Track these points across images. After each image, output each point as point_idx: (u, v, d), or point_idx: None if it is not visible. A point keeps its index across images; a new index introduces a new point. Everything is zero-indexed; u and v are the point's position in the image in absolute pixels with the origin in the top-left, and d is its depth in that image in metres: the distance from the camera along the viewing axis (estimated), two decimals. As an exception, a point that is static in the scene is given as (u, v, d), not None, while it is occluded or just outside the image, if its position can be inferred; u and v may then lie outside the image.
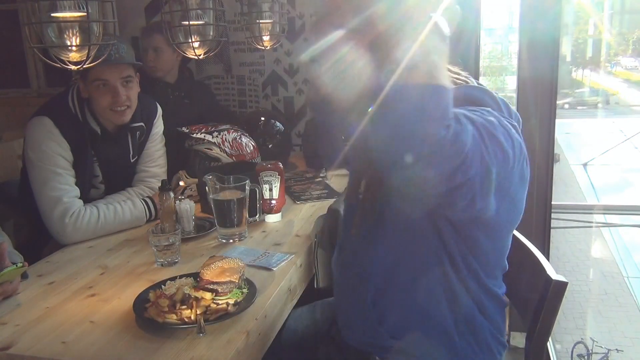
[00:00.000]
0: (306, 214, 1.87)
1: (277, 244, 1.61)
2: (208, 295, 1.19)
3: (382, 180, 1.13)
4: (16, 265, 1.29)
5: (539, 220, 2.29)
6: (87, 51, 1.20)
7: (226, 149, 2.11)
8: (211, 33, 1.77)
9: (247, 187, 1.62)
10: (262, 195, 1.76)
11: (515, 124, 1.06)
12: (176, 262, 1.49)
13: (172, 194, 1.70)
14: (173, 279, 1.30)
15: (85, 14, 1.17)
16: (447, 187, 0.92)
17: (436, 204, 1.01)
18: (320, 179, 2.29)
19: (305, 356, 1.42)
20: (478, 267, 1.14)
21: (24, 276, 1.40)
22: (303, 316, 1.51)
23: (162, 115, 2.04)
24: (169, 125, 2.09)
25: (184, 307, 1.17)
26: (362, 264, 1.21)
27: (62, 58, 1.19)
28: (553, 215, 2.33)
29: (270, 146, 2.41)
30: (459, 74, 1.16)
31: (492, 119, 0.99)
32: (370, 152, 0.97)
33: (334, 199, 1.79)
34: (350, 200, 1.31)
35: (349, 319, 1.27)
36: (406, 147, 0.88)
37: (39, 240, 1.83)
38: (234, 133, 2.17)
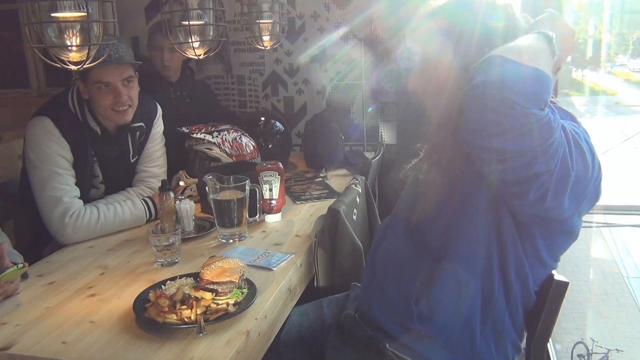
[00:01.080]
0: (306, 214, 1.87)
1: (277, 244, 1.61)
2: (208, 295, 1.19)
3: (448, 162, 1.14)
4: (17, 266, 1.29)
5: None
6: (87, 51, 1.19)
7: (226, 149, 2.11)
8: (211, 33, 1.77)
9: (247, 187, 1.62)
10: (262, 195, 1.76)
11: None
12: (176, 262, 1.49)
13: (172, 194, 1.70)
14: (173, 279, 1.31)
15: (85, 14, 1.17)
16: (525, 175, 0.95)
17: (508, 192, 1.02)
18: (320, 179, 2.29)
19: (310, 350, 1.42)
20: (529, 273, 1.13)
21: (24, 276, 1.40)
22: (309, 312, 1.51)
23: (163, 114, 2.04)
24: (170, 124, 2.09)
25: (184, 307, 1.17)
26: (422, 242, 1.20)
27: (62, 58, 1.19)
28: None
29: (270, 146, 2.42)
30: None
31: (580, 131, 1.03)
32: (466, 126, 0.98)
33: (334, 199, 1.79)
34: (414, 178, 1.30)
35: (386, 293, 1.25)
36: (504, 114, 0.91)
37: (39, 240, 1.83)
38: (234, 133, 2.17)
